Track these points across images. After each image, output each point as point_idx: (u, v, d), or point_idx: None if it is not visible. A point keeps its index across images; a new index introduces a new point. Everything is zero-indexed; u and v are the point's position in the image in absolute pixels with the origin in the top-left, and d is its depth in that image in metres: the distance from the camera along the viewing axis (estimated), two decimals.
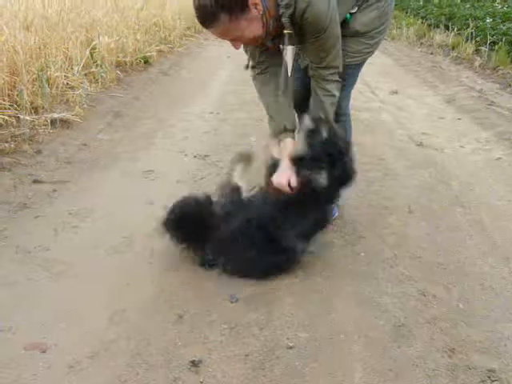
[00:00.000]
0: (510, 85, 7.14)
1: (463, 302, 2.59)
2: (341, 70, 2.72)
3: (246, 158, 3.09)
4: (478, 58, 8.72)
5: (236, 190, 2.91)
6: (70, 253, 2.95)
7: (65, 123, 5.05)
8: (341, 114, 3.07)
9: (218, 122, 5.51)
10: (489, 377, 2.11)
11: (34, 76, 5.24)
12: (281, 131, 2.78)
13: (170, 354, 2.22)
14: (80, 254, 2.95)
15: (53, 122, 4.95)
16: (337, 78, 2.74)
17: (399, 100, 6.64)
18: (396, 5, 9.96)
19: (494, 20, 9.83)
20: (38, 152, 4.34)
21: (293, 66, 3.07)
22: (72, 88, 5.78)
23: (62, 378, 2.08)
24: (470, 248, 3.07)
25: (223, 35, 2.45)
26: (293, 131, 2.79)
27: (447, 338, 2.34)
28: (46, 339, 2.29)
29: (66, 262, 2.86)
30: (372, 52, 3.02)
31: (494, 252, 3.03)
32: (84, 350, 2.23)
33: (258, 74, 2.86)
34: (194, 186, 3.79)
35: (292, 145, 2.74)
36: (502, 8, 11.39)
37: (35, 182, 3.84)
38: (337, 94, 2.78)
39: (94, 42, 6.67)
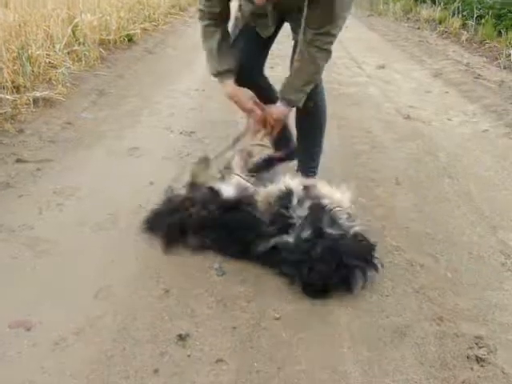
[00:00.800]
0: (496, 58, 7.11)
1: (451, 271, 2.58)
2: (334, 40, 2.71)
3: (204, 162, 3.08)
4: (465, 32, 8.70)
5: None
6: (55, 231, 2.90)
7: (48, 102, 4.96)
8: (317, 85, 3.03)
9: (204, 99, 5.45)
10: (476, 343, 2.11)
11: (15, 54, 5.14)
12: (223, 72, 2.89)
13: (157, 329, 2.19)
14: (65, 231, 2.90)
15: (35, 100, 4.86)
16: (331, 48, 2.73)
17: (386, 74, 6.60)
18: None
19: None
20: (21, 131, 4.27)
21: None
22: (54, 67, 5.67)
23: (47, 355, 2.06)
24: (458, 218, 3.06)
25: None
26: (232, 71, 2.90)
27: (435, 306, 2.33)
28: (31, 317, 2.25)
29: (51, 240, 2.82)
30: None
31: (482, 222, 3.02)
32: (69, 326, 2.20)
33: (208, 24, 2.87)
34: (179, 162, 3.74)
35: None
36: None
37: (18, 161, 3.77)
38: (330, 55, 2.78)
39: (76, 20, 6.55)
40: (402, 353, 2.07)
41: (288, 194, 2.59)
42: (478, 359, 2.03)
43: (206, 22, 2.86)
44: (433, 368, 2.00)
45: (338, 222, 2.48)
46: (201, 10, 2.86)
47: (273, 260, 2.51)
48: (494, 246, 2.79)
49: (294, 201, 2.55)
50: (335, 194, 2.63)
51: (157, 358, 2.04)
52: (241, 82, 2.94)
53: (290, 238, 2.45)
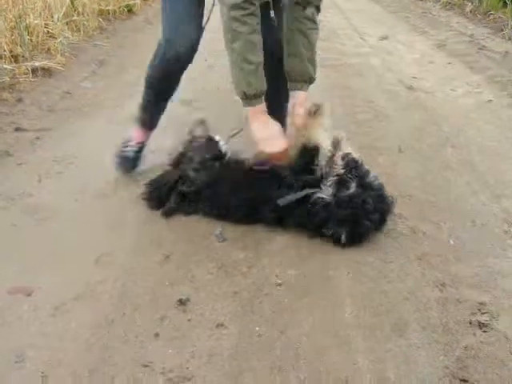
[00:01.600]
0: (501, 29, 7.00)
1: (454, 238, 2.56)
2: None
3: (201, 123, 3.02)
4: (469, 4, 8.54)
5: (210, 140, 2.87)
6: (55, 198, 2.88)
7: (46, 72, 4.89)
8: None
9: (205, 69, 5.38)
10: (479, 309, 2.10)
11: (12, 24, 5.05)
12: (261, 94, 2.47)
13: (157, 294, 2.18)
14: (64, 199, 2.88)
15: (34, 70, 4.79)
16: (317, 19, 2.61)
17: (389, 45, 6.51)
18: None
19: None
20: (20, 100, 4.21)
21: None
22: (53, 37, 5.58)
23: (47, 320, 2.05)
24: (461, 187, 3.04)
25: None
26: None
27: (438, 273, 2.32)
28: (31, 283, 2.24)
29: (51, 207, 2.80)
30: None
31: (485, 190, 3.00)
32: (69, 292, 2.19)
33: (249, 13, 2.32)
34: (180, 130, 3.68)
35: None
36: None
37: (17, 129, 3.73)
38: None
39: None
40: (404, 318, 2.06)
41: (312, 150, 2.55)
42: (481, 325, 2.02)
43: (247, 8, 2.29)
44: (435, 333, 1.98)
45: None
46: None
47: (306, 220, 2.49)
48: (498, 214, 2.77)
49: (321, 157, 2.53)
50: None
51: (157, 322, 2.03)
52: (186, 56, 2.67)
53: (325, 195, 2.42)
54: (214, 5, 2.67)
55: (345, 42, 6.39)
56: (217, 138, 2.86)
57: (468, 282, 2.26)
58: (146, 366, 1.84)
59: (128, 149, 2.93)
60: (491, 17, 7.75)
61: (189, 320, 2.04)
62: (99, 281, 2.27)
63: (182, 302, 2.12)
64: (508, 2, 7.55)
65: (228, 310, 2.09)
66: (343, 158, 2.45)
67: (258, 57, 2.38)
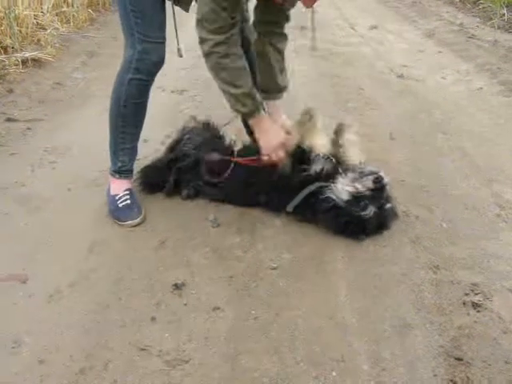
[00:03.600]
0: (490, 18, 7.02)
1: (446, 221, 2.58)
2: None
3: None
4: None
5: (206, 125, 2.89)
6: (48, 188, 2.88)
7: (37, 63, 4.87)
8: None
9: (195, 59, 5.34)
10: (472, 290, 2.12)
11: (1, 14, 5.01)
12: (258, 108, 2.51)
13: (153, 279, 2.19)
14: (57, 188, 2.87)
15: (24, 61, 4.77)
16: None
17: (379, 35, 6.51)
18: None
19: None
20: (10, 91, 4.20)
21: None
22: (43, 28, 5.56)
23: (42, 306, 2.05)
24: (453, 172, 3.05)
25: None
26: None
27: (431, 255, 2.34)
28: (26, 271, 2.25)
29: (44, 196, 2.80)
30: None
31: (477, 175, 3.01)
32: (64, 279, 2.20)
33: (230, 45, 2.35)
34: (172, 120, 3.68)
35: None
36: None
37: (8, 120, 3.72)
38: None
39: None
40: (398, 300, 2.08)
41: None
42: (474, 305, 2.04)
43: (226, 45, 2.32)
44: (429, 314, 2.00)
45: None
46: (209, 33, 2.31)
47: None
48: (489, 198, 2.79)
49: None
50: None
51: (153, 307, 2.04)
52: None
53: (337, 196, 2.40)
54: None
55: (335, 32, 6.38)
56: (213, 123, 2.87)
57: (461, 263, 2.28)
58: (143, 349, 1.84)
59: (123, 198, 2.63)
60: (480, 6, 7.76)
61: (185, 304, 2.05)
62: (94, 268, 2.27)
63: (177, 287, 2.12)
64: None
65: (224, 294, 2.10)
66: (375, 182, 2.38)
67: (247, 81, 2.43)
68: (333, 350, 1.85)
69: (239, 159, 2.64)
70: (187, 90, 4.34)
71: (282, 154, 2.52)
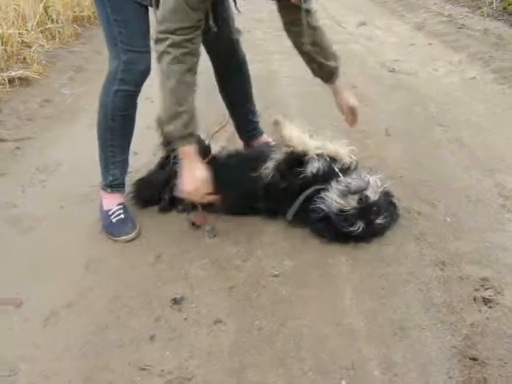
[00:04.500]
0: (479, 7, 6.96)
1: (450, 216, 2.51)
2: None
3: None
4: None
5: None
6: (39, 207, 2.81)
7: (23, 81, 4.80)
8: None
9: None
10: (482, 285, 2.05)
11: None
12: (188, 137, 2.30)
13: (151, 295, 2.12)
14: (49, 207, 2.81)
15: (10, 80, 4.69)
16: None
17: (368, 31, 6.46)
18: None
19: None
20: None
21: None
22: (28, 46, 5.48)
23: (38, 331, 1.98)
24: (453, 164, 2.98)
25: None
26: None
27: (437, 252, 2.26)
28: (20, 294, 2.17)
29: (35, 216, 2.73)
30: None
31: (478, 166, 2.94)
32: (60, 300, 2.13)
33: (186, 53, 2.19)
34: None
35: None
36: None
37: None
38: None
39: None
40: (406, 300, 2.00)
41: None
42: (486, 301, 1.97)
43: (183, 49, 2.16)
44: (440, 313, 1.93)
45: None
46: (167, 32, 2.16)
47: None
48: (492, 188, 2.72)
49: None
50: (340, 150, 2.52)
51: (152, 324, 1.97)
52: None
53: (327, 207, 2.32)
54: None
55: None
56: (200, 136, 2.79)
57: (468, 258, 2.21)
58: (144, 369, 1.77)
59: (116, 213, 2.55)
60: None
61: (185, 319, 1.98)
62: (90, 287, 2.20)
63: (176, 301, 2.05)
64: None
65: (225, 306, 2.03)
66: (359, 202, 2.26)
67: (189, 101, 2.24)
68: (341, 357, 1.78)
69: None
70: None
71: (194, 198, 2.38)
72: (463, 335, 1.82)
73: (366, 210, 2.26)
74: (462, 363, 1.71)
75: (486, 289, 2.02)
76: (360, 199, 2.24)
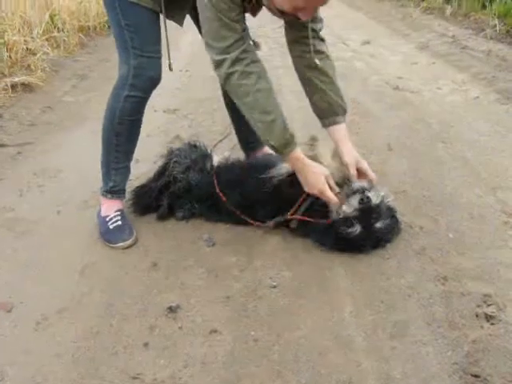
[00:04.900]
0: (483, 29, 6.98)
1: (452, 231, 2.47)
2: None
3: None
4: (449, 7, 8.55)
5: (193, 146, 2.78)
6: (36, 212, 2.77)
7: (26, 87, 4.79)
8: None
9: (188, 79, 5.31)
10: (484, 301, 2.00)
11: None
12: (289, 142, 2.22)
13: (146, 303, 2.07)
14: (46, 212, 2.77)
15: (13, 86, 4.68)
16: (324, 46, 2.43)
17: (372, 49, 6.46)
18: None
19: None
20: None
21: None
22: (33, 53, 5.49)
23: (29, 335, 1.94)
24: (455, 180, 2.95)
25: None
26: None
27: (438, 267, 2.22)
28: (12, 298, 2.13)
29: (32, 220, 2.70)
30: None
31: (480, 183, 2.91)
32: (52, 305, 2.08)
33: (248, 63, 2.13)
34: (165, 139, 3.60)
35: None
36: None
37: None
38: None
39: (53, 5, 6.36)
40: (407, 315, 1.96)
41: None
42: (488, 317, 1.92)
43: (244, 61, 2.11)
44: (441, 328, 1.88)
45: None
46: (222, 53, 2.10)
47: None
48: (495, 205, 2.68)
49: None
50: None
51: (146, 332, 1.92)
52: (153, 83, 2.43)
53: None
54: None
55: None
56: (199, 143, 2.77)
57: (471, 274, 2.16)
58: (136, 377, 1.72)
59: (114, 219, 2.52)
60: (472, 18, 7.75)
61: (180, 328, 1.93)
62: (84, 292, 2.16)
63: (172, 310, 2.00)
64: (487, 4, 7.57)
65: (221, 316, 1.98)
66: (361, 202, 2.24)
67: (274, 107, 2.17)
68: (340, 371, 1.73)
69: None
70: (180, 110, 4.25)
71: (329, 194, 2.22)
72: (465, 351, 1.77)
73: (367, 211, 2.23)
74: (463, 380, 1.67)
75: (489, 305, 1.98)
76: (361, 199, 2.22)
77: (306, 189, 2.29)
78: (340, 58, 5.91)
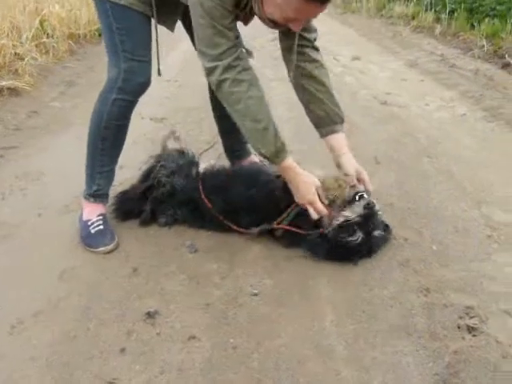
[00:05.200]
0: (471, 49, 7.05)
1: (436, 244, 2.46)
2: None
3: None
4: (438, 26, 8.63)
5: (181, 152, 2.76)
6: (17, 215, 2.74)
7: (13, 92, 4.75)
8: None
9: (176, 89, 5.29)
10: (467, 313, 1.99)
11: None
12: (280, 150, 2.20)
13: (124, 308, 2.04)
14: (28, 215, 2.73)
15: (0, 90, 4.65)
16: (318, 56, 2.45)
17: (361, 65, 6.48)
18: None
19: None
20: None
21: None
22: (21, 58, 5.45)
23: (3, 339, 1.90)
24: (441, 194, 2.94)
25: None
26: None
27: (421, 278, 2.21)
28: None
29: (13, 224, 2.66)
30: None
31: (465, 197, 2.91)
32: (29, 309, 2.05)
33: (240, 71, 2.11)
34: (150, 146, 3.57)
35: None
36: None
37: None
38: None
39: (43, 11, 6.34)
40: (388, 325, 1.94)
41: None
42: (470, 329, 1.91)
43: (236, 68, 2.09)
44: (422, 339, 1.87)
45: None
46: (214, 60, 2.08)
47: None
48: (479, 219, 2.68)
49: None
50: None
51: (123, 337, 1.89)
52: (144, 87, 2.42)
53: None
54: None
55: None
56: (187, 150, 2.75)
57: (453, 286, 2.15)
58: (111, 382, 1.69)
59: (95, 224, 2.48)
60: (460, 38, 7.81)
61: (158, 333, 1.90)
62: (62, 296, 2.12)
63: (150, 315, 1.97)
64: (475, 24, 7.65)
65: (200, 322, 1.95)
66: (366, 207, 2.26)
67: (265, 115, 2.15)
68: (320, 380, 1.70)
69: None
70: (167, 118, 4.23)
71: (318, 205, 2.23)
72: (446, 362, 1.75)
73: (368, 218, 2.24)
74: None
75: (471, 317, 1.97)
76: (367, 204, 2.22)
77: (296, 198, 2.27)
78: (331, 73, 5.92)
